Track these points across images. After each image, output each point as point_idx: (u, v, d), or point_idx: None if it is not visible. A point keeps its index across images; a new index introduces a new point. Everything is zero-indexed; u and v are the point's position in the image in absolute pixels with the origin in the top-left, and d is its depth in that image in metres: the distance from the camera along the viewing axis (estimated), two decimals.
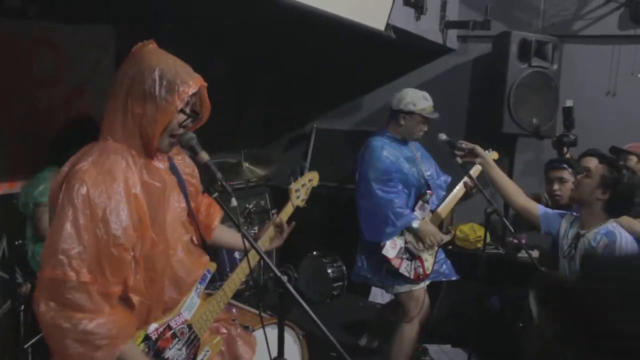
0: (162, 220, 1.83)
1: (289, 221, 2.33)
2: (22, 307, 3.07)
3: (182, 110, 1.74)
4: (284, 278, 1.72)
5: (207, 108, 1.84)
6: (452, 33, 4.71)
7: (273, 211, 4.94)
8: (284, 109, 5.74)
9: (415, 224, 3.30)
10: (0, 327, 3.57)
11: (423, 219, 3.39)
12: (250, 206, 4.47)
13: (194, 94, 1.76)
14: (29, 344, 2.96)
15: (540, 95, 4.24)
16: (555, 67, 4.29)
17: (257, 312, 3.05)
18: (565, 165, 3.46)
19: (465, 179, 3.42)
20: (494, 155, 3.66)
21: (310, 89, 5.56)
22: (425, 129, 3.40)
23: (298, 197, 2.44)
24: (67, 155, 1.78)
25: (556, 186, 3.44)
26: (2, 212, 3.57)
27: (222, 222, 2.28)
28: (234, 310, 3.11)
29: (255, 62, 5.57)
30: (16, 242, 3.28)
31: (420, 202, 3.42)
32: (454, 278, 3.65)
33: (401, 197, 3.30)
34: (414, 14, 3.95)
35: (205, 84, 1.79)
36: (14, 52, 3.30)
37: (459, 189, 3.51)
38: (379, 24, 3.53)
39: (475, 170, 3.38)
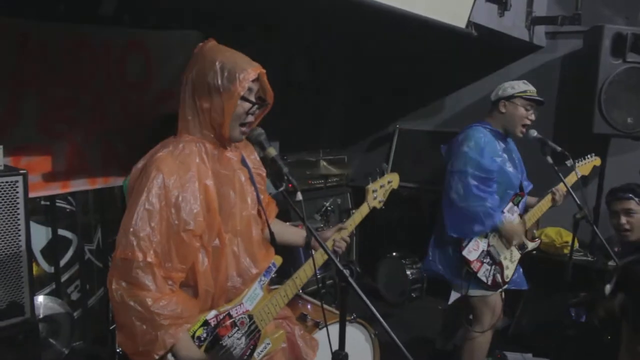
0: (232, 210, 1.90)
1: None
2: None
3: (244, 98, 1.82)
4: (346, 272, 1.71)
5: (270, 94, 1.91)
6: (540, 29, 4.53)
7: (354, 211, 4.94)
8: (367, 109, 5.75)
9: (500, 223, 3.11)
10: (94, 311, 3.87)
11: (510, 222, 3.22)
12: (328, 204, 4.51)
13: (254, 81, 1.83)
14: (114, 326, 3.18)
15: (635, 93, 3.96)
16: None
17: (333, 310, 3.04)
18: (631, 195, 3.07)
19: (553, 190, 3.28)
20: (597, 161, 3.46)
21: (393, 90, 5.54)
22: (531, 116, 3.16)
23: (375, 198, 2.40)
24: None
25: (623, 219, 3.06)
26: (98, 205, 3.85)
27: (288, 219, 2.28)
28: (309, 307, 3.16)
29: (337, 63, 5.63)
30: (110, 240, 3.51)
31: (510, 204, 3.24)
32: (524, 288, 3.43)
33: (494, 197, 3.12)
34: (497, 10, 3.85)
35: (264, 71, 1.85)
36: (108, 58, 3.54)
37: (547, 200, 3.31)
38: (460, 22, 3.45)
39: (571, 177, 3.23)
